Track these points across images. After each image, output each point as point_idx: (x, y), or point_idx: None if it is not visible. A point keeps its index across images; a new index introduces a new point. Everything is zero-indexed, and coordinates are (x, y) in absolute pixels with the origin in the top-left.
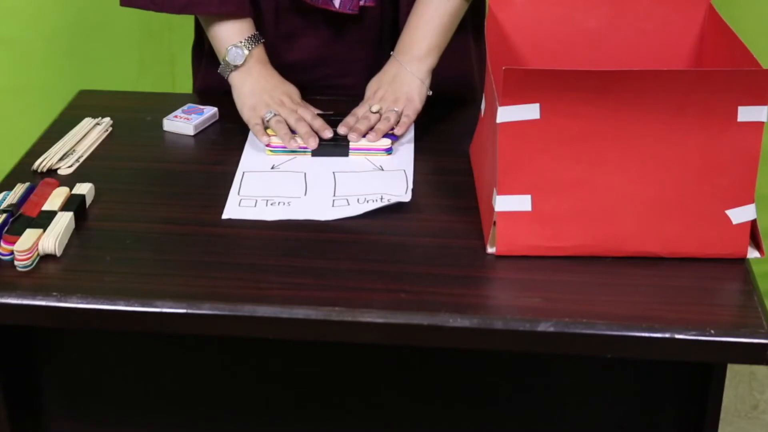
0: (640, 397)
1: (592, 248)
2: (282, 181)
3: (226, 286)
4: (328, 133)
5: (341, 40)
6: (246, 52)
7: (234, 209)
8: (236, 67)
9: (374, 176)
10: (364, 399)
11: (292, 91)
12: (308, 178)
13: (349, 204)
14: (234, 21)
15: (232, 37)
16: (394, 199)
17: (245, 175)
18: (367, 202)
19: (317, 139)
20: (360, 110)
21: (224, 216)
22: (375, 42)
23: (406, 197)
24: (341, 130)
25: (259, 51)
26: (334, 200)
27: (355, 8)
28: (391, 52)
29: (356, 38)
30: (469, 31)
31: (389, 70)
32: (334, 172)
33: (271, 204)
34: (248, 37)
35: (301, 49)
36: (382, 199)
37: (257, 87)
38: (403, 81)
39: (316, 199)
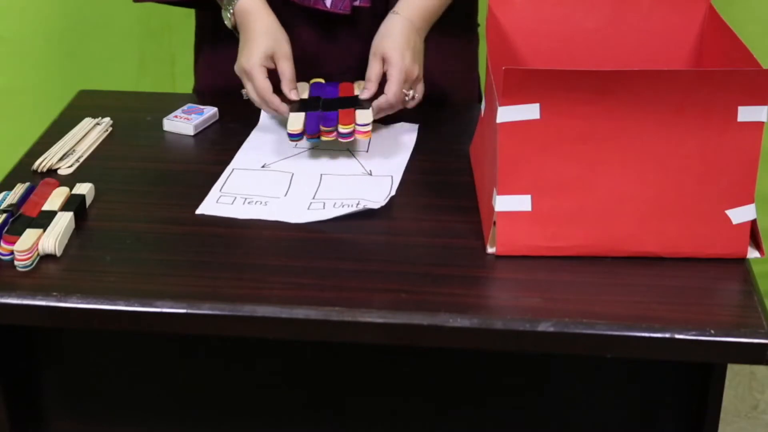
0: (640, 397)
1: (592, 248)
2: (267, 181)
3: (226, 286)
4: (293, 95)
5: (335, 37)
6: (229, 15)
7: (210, 205)
8: (234, 29)
9: (360, 180)
10: (364, 399)
11: (276, 48)
12: (294, 178)
13: (324, 207)
14: None
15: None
16: (369, 205)
17: (234, 172)
18: (343, 206)
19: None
20: (396, 85)
21: (198, 211)
22: (369, 38)
23: (382, 203)
24: (376, 113)
25: (244, 5)
26: (311, 203)
27: (346, 8)
28: (396, 12)
29: (349, 35)
30: (468, 31)
31: (415, 39)
32: (321, 174)
33: (249, 202)
34: (225, 1)
35: (295, 45)
36: (358, 204)
37: (241, 43)
38: (422, 58)
39: (293, 200)
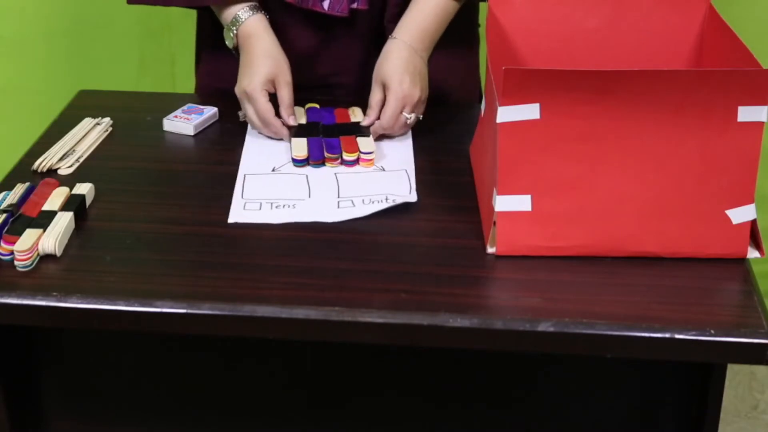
0: (640, 397)
1: (592, 248)
2: (284, 184)
3: (226, 286)
4: (292, 120)
5: (333, 39)
6: (232, 35)
7: (239, 213)
8: (234, 49)
9: (376, 177)
10: (364, 399)
11: (278, 73)
12: (310, 180)
13: (354, 205)
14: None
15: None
16: (399, 200)
17: (247, 178)
18: (373, 202)
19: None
20: (391, 111)
21: (230, 220)
22: (366, 40)
23: (412, 197)
24: (372, 137)
25: (247, 27)
26: (339, 201)
27: (344, 11)
28: (395, 36)
29: (347, 37)
30: (468, 31)
31: (415, 62)
32: (335, 174)
33: (276, 207)
34: (229, 22)
35: (293, 46)
36: (387, 199)
37: (242, 66)
38: (426, 79)
39: (321, 200)
